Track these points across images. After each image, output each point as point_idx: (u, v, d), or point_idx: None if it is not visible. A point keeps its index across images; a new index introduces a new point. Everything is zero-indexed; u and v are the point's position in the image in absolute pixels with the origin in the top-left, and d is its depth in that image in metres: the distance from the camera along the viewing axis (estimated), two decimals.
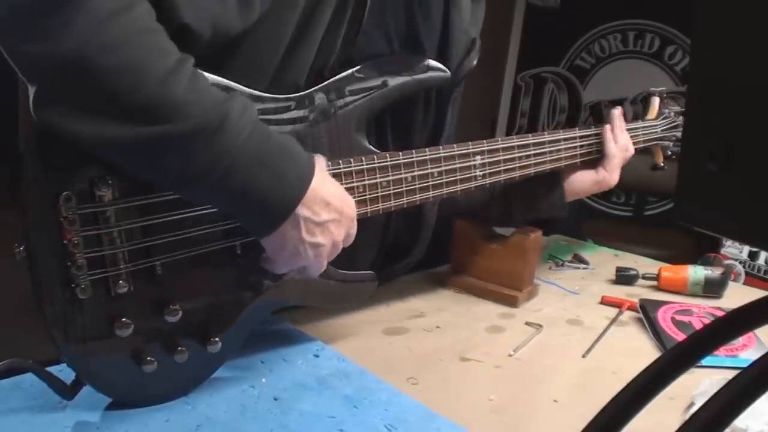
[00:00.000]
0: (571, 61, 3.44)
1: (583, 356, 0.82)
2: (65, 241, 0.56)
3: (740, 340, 0.84)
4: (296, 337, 0.81)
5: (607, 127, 1.02)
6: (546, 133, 0.94)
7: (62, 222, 0.56)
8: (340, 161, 0.71)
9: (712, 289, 1.06)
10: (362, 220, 0.71)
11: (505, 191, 1.02)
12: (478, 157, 0.84)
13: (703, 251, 2.58)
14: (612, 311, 0.98)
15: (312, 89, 0.72)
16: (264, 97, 0.67)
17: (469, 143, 0.83)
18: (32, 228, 0.56)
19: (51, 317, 0.58)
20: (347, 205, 0.67)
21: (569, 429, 0.63)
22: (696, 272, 1.06)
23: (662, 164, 1.17)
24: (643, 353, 0.84)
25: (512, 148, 0.89)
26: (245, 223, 0.63)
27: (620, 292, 1.06)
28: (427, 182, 0.79)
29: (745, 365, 0.25)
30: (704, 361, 0.76)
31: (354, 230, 0.69)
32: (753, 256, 2.52)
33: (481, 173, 0.85)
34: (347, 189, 0.70)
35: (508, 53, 3.56)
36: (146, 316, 0.62)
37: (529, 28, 3.52)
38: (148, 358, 0.62)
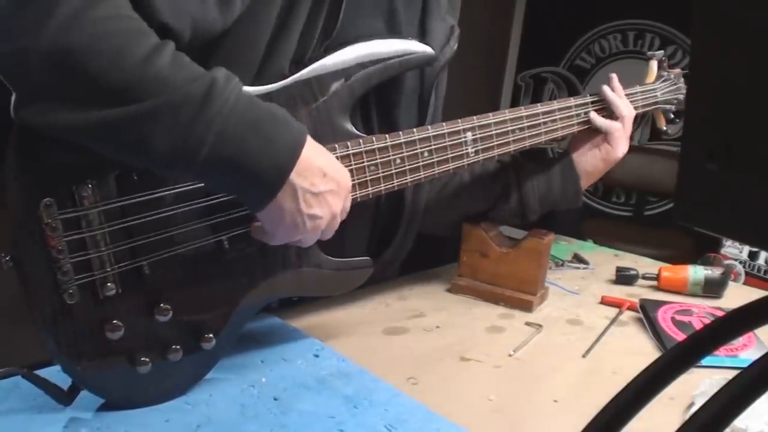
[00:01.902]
0: (571, 61, 3.44)
1: (583, 356, 0.82)
2: (49, 248, 0.56)
3: (740, 340, 0.84)
4: (296, 337, 0.81)
5: (607, 89, 1.00)
6: (539, 105, 0.92)
7: (44, 228, 0.56)
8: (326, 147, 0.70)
9: (712, 289, 1.06)
10: (351, 207, 0.70)
11: (519, 183, 1.00)
12: (469, 134, 0.82)
13: (703, 251, 2.58)
14: (612, 311, 0.98)
15: (292, 78, 0.71)
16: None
17: (459, 120, 0.81)
18: (16, 237, 0.56)
19: (41, 324, 0.58)
20: (343, 176, 0.66)
21: (569, 429, 0.64)
22: (696, 272, 1.06)
23: (665, 128, 1.15)
24: (643, 353, 0.84)
25: (504, 122, 0.87)
26: (241, 196, 0.61)
27: (620, 292, 1.06)
28: (417, 162, 0.77)
29: (745, 365, 0.25)
30: (704, 361, 0.76)
31: (349, 203, 0.68)
32: (753, 256, 2.52)
33: (473, 150, 0.83)
34: None
35: (508, 53, 3.57)
36: (137, 317, 0.62)
37: (529, 28, 3.52)
38: (142, 359, 0.62)
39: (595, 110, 0.99)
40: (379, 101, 0.85)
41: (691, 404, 0.68)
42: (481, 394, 0.71)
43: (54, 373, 0.62)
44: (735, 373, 0.25)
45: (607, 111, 1.00)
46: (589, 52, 3.37)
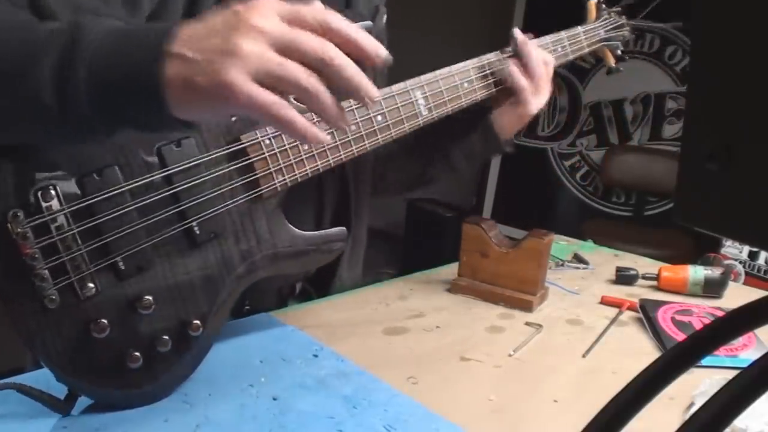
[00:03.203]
0: (571, 61, 3.44)
1: (583, 356, 0.82)
2: (24, 257, 0.57)
3: (740, 340, 0.84)
4: (295, 337, 0.81)
5: (511, 61, 0.94)
6: (490, 54, 0.93)
7: (15, 239, 0.56)
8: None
9: (712, 289, 1.06)
10: (298, 186, 0.71)
11: (437, 139, 0.99)
12: (419, 92, 0.82)
13: (703, 251, 2.58)
14: (612, 311, 0.98)
15: None
16: None
17: (406, 81, 0.82)
18: None
19: (26, 336, 0.58)
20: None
21: (569, 429, 0.63)
22: (696, 272, 1.06)
23: (615, 65, 1.15)
24: (643, 353, 0.84)
25: (452, 76, 0.87)
26: (143, 96, 0.51)
27: (620, 292, 1.06)
28: (372, 127, 0.78)
29: (745, 365, 0.25)
30: (704, 361, 0.76)
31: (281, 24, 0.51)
32: (753, 256, 2.52)
33: (426, 108, 0.83)
34: (291, 149, 0.71)
35: None
36: (120, 313, 0.62)
37: (529, 28, 3.53)
38: (133, 354, 0.62)
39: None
40: None
41: (691, 404, 0.68)
42: (481, 394, 0.71)
43: (50, 377, 0.61)
44: (735, 373, 0.25)
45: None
46: None
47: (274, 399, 0.66)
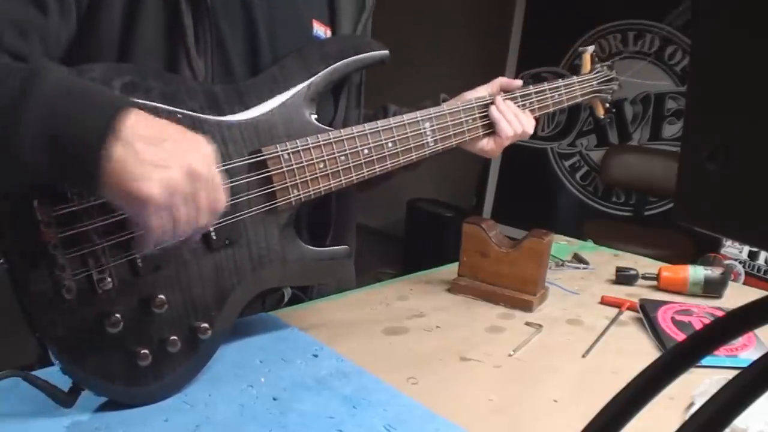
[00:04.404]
0: (571, 61, 3.44)
1: (583, 356, 0.82)
2: (45, 244, 0.57)
3: (740, 340, 0.84)
4: (295, 337, 0.81)
5: (493, 109, 0.95)
6: (496, 97, 0.95)
7: (40, 225, 0.56)
8: (297, 141, 0.73)
9: (712, 289, 1.06)
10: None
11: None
12: (427, 124, 0.86)
13: (703, 251, 2.58)
14: (612, 311, 0.98)
15: (262, 74, 0.74)
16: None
17: (416, 112, 0.85)
18: (9, 237, 0.56)
19: (39, 324, 0.58)
20: (189, 136, 0.59)
21: (569, 429, 0.63)
22: (696, 272, 1.06)
23: (603, 116, 1.19)
24: (643, 353, 0.84)
25: (458, 112, 0.91)
26: (77, 173, 0.55)
27: (620, 292, 1.06)
28: (383, 153, 0.81)
29: (745, 365, 0.25)
30: (704, 361, 0.76)
31: (214, 172, 0.60)
32: (753, 256, 2.52)
33: (432, 139, 0.87)
34: (308, 166, 0.73)
35: (508, 53, 3.56)
36: (134, 309, 0.62)
37: (529, 28, 3.52)
38: (143, 352, 0.62)
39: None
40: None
41: (691, 404, 0.68)
42: (481, 394, 0.71)
43: (54, 374, 0.61)
44: (735, 373, 0.25)
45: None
46: None
47: (274, 399, 0.66)
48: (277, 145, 0.72)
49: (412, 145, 0.84)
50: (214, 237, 0.67)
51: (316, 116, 0.76)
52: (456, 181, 3.80)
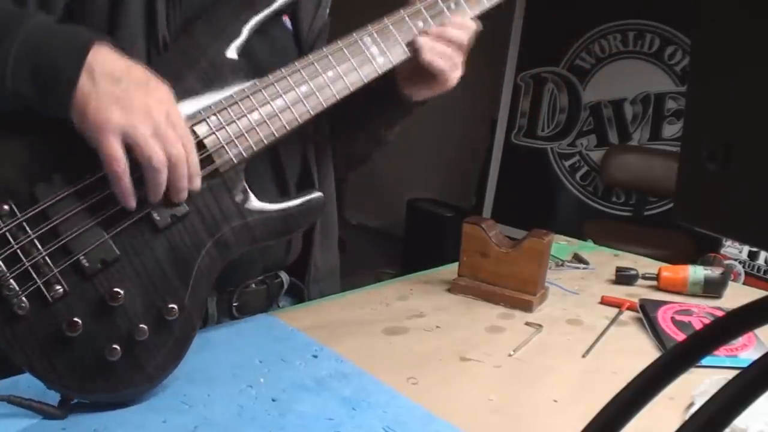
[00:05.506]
0: (571, 61, 3.44)
1: (583, 356, 0.82)
2: None
3: (740, 340, 0.84)
4: (294, 338, 0.81)
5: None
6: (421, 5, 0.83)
7: None
8: (222, 99, 0.70)
9: (712, 289, 1.06)
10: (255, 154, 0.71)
11: (355, 116, 0.93)
12: (368, 39, 0.79)
13: (703, 251, 2.58)
14: (612, 311, 0.97)
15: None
16: None
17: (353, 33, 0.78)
18: None
19: (5, 347, 0.59)
20: (149, 79, 0.64)
21: (569, 429, 0.63)
22: (696, 272, 1.06)
23: None
24: (643, 353, 0.84)
25: (402, 20, 0.81)
26: (50, 96, 0.62)
27: (620, 292, 1.06)
28: (324, 83, 0.75)
29: (745, 365, 0.25)
30: (704, 361, 0.76)
31: (173, 108, 0.65)
32: (753, 256, 2.52)
33: (379, 50, 0.79)
34: (239, 119, 0.70)
35: (508, 53, 3.56)
36: (92, 309, 0.62)
37: (529, 28, 3.52)
38: (112, 348, 0.62)
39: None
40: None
41: (691, 404, 0.68)
42: (481, 394, 0.71)
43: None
44: (735, 373, 0.25)
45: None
46: (589, 52, 3.37)
47: (273, 400, 0.66)
48: (201, 111, 0.69)
49: (355, 65, 0.77)
50: (157, 217, 0.65)
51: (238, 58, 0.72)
52: (456, 181, 3.80)
